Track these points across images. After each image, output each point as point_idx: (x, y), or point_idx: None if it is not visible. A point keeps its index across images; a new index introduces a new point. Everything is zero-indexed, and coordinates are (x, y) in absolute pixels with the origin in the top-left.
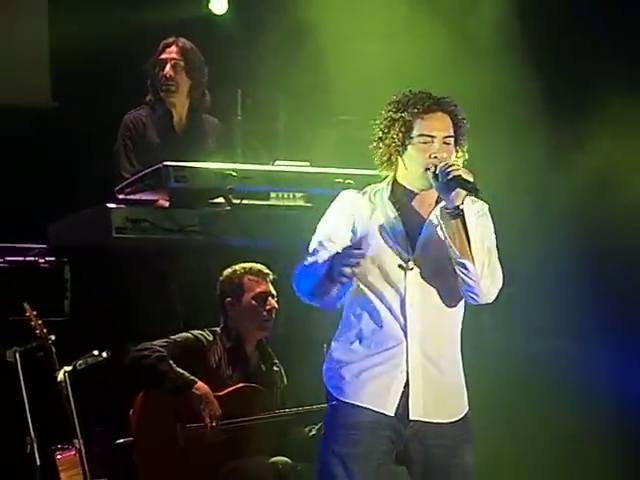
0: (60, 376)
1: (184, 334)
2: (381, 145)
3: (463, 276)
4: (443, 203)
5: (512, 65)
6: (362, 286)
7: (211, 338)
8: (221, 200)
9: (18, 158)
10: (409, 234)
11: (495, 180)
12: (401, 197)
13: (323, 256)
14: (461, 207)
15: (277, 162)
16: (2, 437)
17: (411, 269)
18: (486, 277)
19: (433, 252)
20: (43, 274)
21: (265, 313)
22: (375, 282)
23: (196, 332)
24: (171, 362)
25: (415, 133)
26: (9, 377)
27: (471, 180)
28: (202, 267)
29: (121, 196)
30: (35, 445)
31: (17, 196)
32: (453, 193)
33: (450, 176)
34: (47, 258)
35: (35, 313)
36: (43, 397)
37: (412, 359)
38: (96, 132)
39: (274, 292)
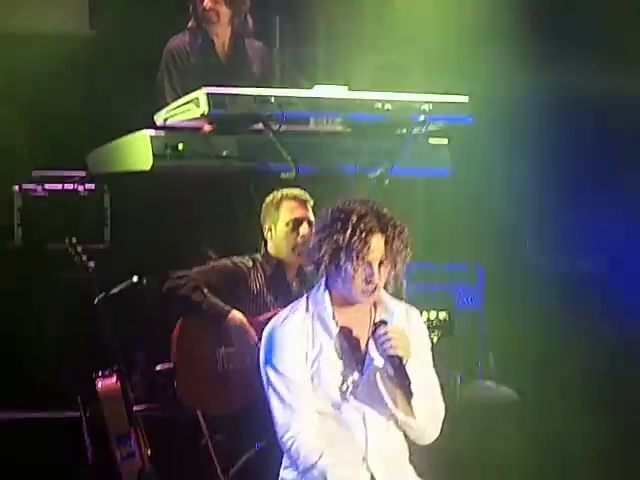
0: (99, 302)
1: (223, 261)
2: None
3: (407, 430)
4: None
5: None
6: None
7: (251, 265)
8: (260, 126)
9: (57, 86)
10: (354, 353)
11: None
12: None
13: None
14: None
15: (316, 88)
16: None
17: (358, 390)
18: (429, 428)
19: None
20: (83, 202)
21: (299, 239)
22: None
23: (236, 259)
24: (206, 291)
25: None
26: (53, 303)
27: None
28: (241, 194)
29: (160, 122)
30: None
31: (56, 125)
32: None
33: (388, 353)
34: (87, 186)
35: (75, 241)
36: (84, 324)
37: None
38: (137, 59)
39: (312, 218)
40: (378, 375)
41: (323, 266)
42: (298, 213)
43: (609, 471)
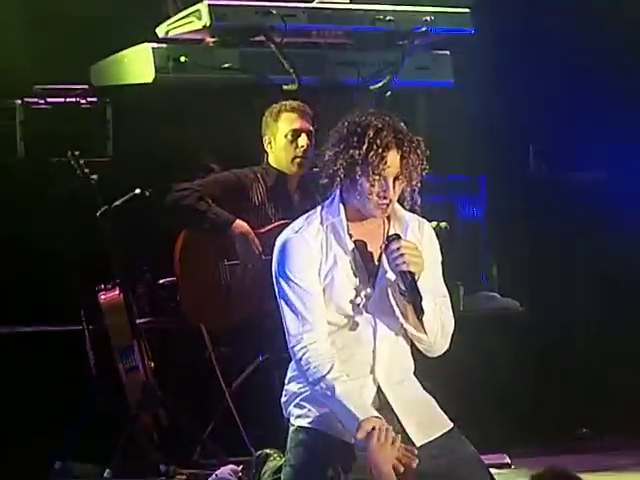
0: (102, 215)
1: (225, 173)
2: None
3: (417, 343)
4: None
5: None
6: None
7: (252, 177)
8: (262, 38)
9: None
10: (366, 265)
11: None
12: (355, 224)
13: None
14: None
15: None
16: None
17: (371, 303)
18: (439, 341)
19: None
20: (85, 115)
21: (299, 150)
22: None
23: (237, 171)
24: (210, 201)
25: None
26: (56, 216)
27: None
28: (243, 106)
29: (162, 35)
30: None
31: (58, 37)
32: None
33: (400, 269)
34: (89, 99)
35: (77, 153)
36: (86, 238)
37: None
38: None
39: (311, 129)
40: (390, 289)
41: (338, 179)
42: (297, 124)
43: (611, 377)
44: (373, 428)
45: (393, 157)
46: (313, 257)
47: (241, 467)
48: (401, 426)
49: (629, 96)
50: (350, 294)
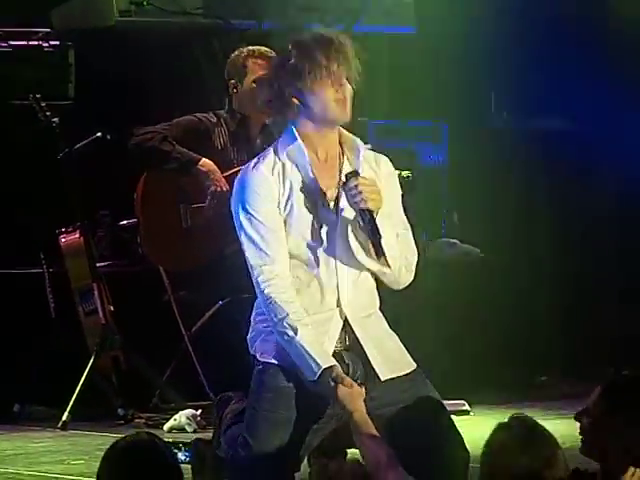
0: (63, 157)
1: (188, 117)
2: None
3: (381, 277)
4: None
5: None
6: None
7: (215, 120)
8: None
9: None
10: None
11: None
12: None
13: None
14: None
15: None
16: None
17: (334, 229)
18: (404, 274)
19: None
20: (48, 58)
21: (265, 97)
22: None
23: (200, 114)
24: (174, 142)
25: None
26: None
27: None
28: (206, 50)
29: None
30: None
31: None
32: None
33: (359, 207)
34: (51, 42)
35: (39, 96)
36: (48, 180)
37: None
38: None
39: None
40: (350, 226)
41: (288, 108)
42: (265, 71)
43: (570, 325)
44: (334, 376)
45: (337, 66)
46: (271, 188)
47: (200, 411)
48: (367, 360)
49: (593, 46)
50: (311, 224)
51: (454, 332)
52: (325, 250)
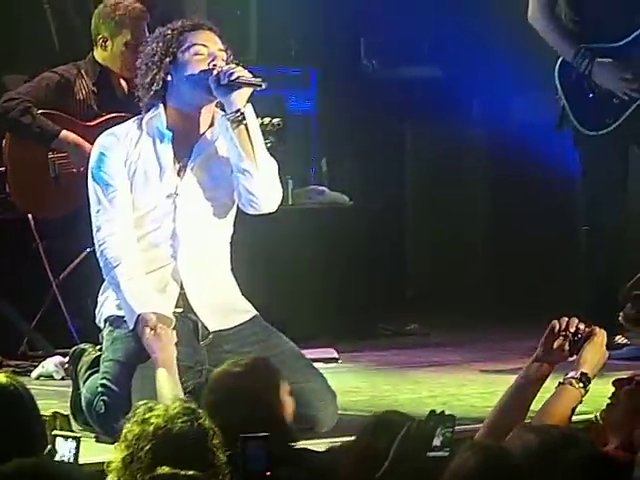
0: None
1: (48, 74)
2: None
3: (245, 183)
4: (221, 115)
5: None
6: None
7: (75, 72)
8: None
9: None
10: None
11: None
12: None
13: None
14: (243, 110)
15: None
16: None
17: (178, 195)
18: (270, 186)
19: (204, 173)
20: None
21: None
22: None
23: (60, 68)
24: (35, 112)
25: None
26: None
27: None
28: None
29: None
30: None
31: None
32: (235, 94)
33: (234, 77)
34: None
35: None
36: None
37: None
38: None
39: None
40: (194, 191)
41: (160, 82)
42: (141, 35)
43: (442, 274)
44: (146, 323)
45: (204, 37)
46: (119, 152)
47: (67, 358)
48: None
49: None
50: (157, 184)
51: (321, 279)
52: (167, 213)
